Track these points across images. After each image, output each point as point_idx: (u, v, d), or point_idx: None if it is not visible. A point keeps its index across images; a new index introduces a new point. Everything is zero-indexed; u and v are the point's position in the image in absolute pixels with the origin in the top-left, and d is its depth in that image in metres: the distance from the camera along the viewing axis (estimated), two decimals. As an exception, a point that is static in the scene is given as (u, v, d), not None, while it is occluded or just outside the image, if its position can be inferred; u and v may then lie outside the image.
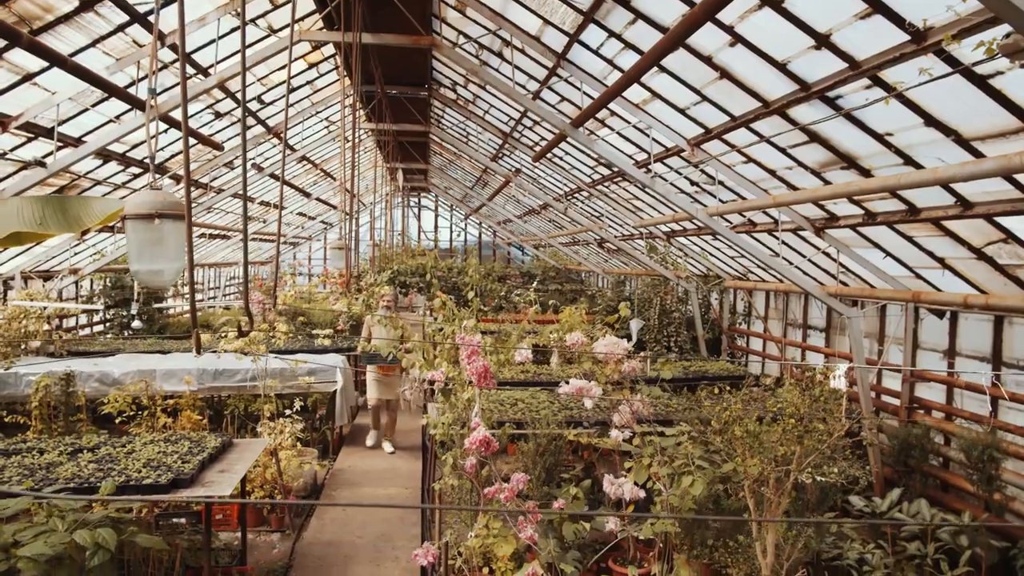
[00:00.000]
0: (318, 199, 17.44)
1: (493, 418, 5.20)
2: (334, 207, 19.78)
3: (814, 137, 5.39)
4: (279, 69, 8.37)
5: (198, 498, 4.10)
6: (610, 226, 12.15)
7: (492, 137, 11.69)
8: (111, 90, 5.69)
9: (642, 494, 2.81)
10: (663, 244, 10.94)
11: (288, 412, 7.30)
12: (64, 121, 6.31)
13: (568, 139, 9.21)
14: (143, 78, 6.01)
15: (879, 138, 4.87)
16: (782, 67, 4.75)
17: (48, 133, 6.41)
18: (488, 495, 3.13)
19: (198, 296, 17.12)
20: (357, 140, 13.99)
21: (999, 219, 4.91)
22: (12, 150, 6.45)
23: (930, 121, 4.38)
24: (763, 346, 10.27)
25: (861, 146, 5.15)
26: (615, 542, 5.18)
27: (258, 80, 8.39)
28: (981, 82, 3.79)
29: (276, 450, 6.55)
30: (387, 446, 8.89)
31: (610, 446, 5.01)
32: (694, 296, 10.71)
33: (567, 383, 2.88)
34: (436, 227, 24.87)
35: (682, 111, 6.30)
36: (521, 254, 24.88)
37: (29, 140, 6.53)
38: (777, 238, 7.95)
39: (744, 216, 8.17)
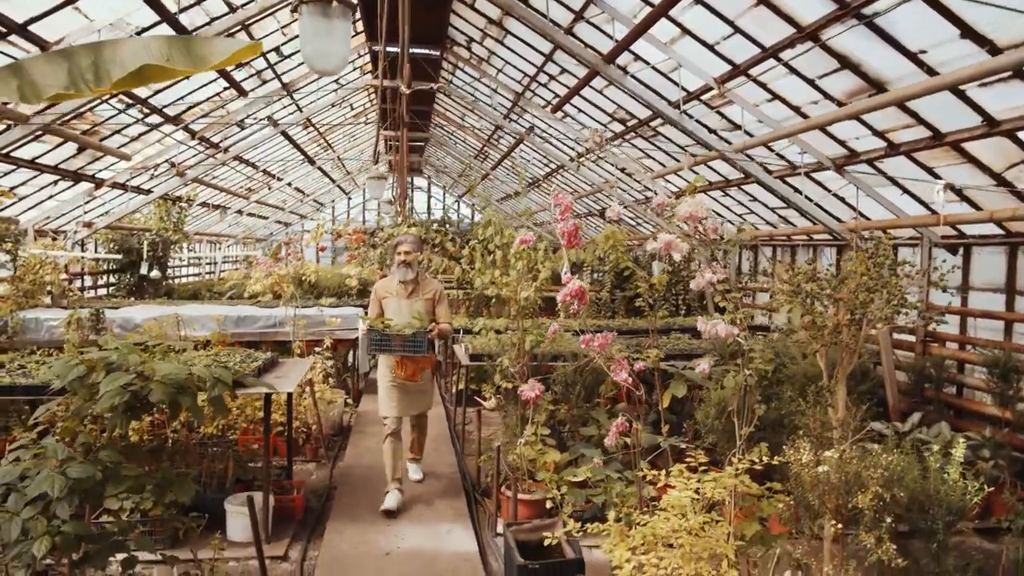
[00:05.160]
0: (320, 168, 17.44)
1: (527, 348, 5.34)
2: (333, 180, 19.82)
3: (845, 63, 5.58)
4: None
5: (273, 390, 4.19)
6: (618, 186, 12.34)
7: (502, 101, 11.82)
8: (162, 13, 5.75)
9: (735, 331, 2.97)
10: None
11: (317, 350, 7.39)
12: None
13: (582, 94, 9.40)
14: (184, 9, 6.10)
15: (912, 56, 5.06)
16: (823, -16, 4.94)
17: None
18: (584, 343, 3.28)
19: (197, 269, 17.07)
20: (370, 102, 14.03)
21: (1023, 135, 5.14)
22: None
23: (966, 32, 4.57)
24: (770, 299, 10.51)
25: (893, 67, 5.33)
26: (651, 457, 5.37)
27: (280, 28, 8.41)
28: (1022, -19, 3.98)
29: (311, 382, 6.64)
30: (413, 470, 6.03)
31: (652, 363, 5.19)
32: (702, 255, 10.91)
33: (655, 240, 3.01)
34: (429, 207, 24.95)
35: (711, 47, 6.48)
36: (516, 236, 25.09)
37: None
38: (791, 185, 8.18)
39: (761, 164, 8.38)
